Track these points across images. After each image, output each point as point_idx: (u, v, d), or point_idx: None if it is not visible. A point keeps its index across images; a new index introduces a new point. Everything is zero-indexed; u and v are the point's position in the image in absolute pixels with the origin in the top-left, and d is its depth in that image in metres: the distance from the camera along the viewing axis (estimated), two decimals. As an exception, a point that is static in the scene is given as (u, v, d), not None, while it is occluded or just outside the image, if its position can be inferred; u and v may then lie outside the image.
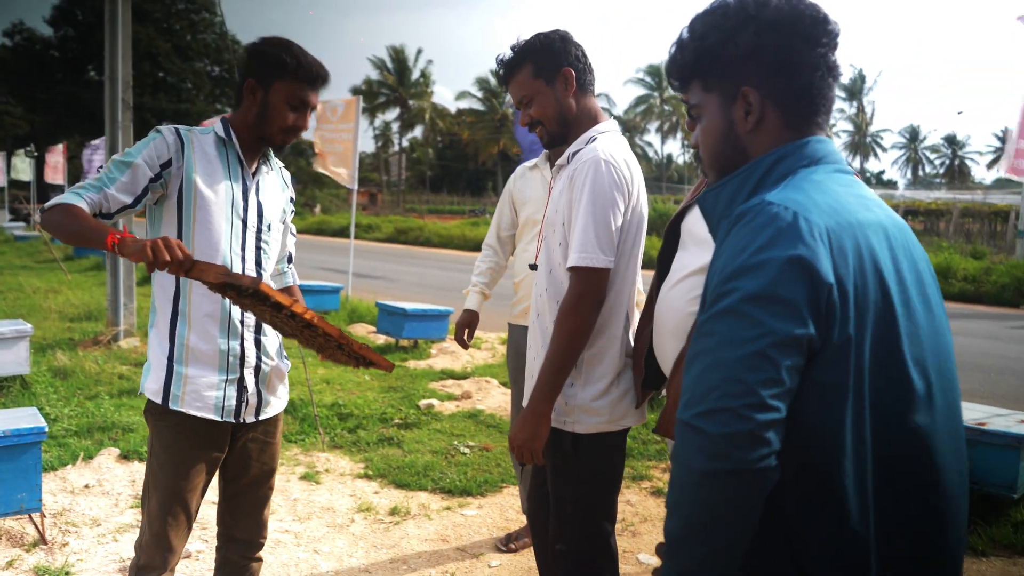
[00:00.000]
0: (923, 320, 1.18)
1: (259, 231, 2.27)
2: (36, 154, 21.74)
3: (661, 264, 2.12)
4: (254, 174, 2.29)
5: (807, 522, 1.12)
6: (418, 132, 60.36)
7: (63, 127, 49.44)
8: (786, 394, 1.06)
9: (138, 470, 4.33)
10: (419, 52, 58.38)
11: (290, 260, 2.55)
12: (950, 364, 1.22)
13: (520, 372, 3.13)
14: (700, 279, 1.93)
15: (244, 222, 2.23)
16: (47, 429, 3.47)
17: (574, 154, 2.20)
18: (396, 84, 56.00)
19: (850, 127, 69.19)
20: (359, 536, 3.70)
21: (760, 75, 1.23)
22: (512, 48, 2.28)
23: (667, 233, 2.13)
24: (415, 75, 57.32)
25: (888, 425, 1.13)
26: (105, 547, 3.45)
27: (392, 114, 58.44)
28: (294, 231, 2.55)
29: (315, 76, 2.20)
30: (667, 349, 2.01)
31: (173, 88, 50.44)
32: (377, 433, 5.19)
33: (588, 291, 2.07)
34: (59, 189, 20.66)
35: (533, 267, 2.37)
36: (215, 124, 2.26)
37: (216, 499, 2.50)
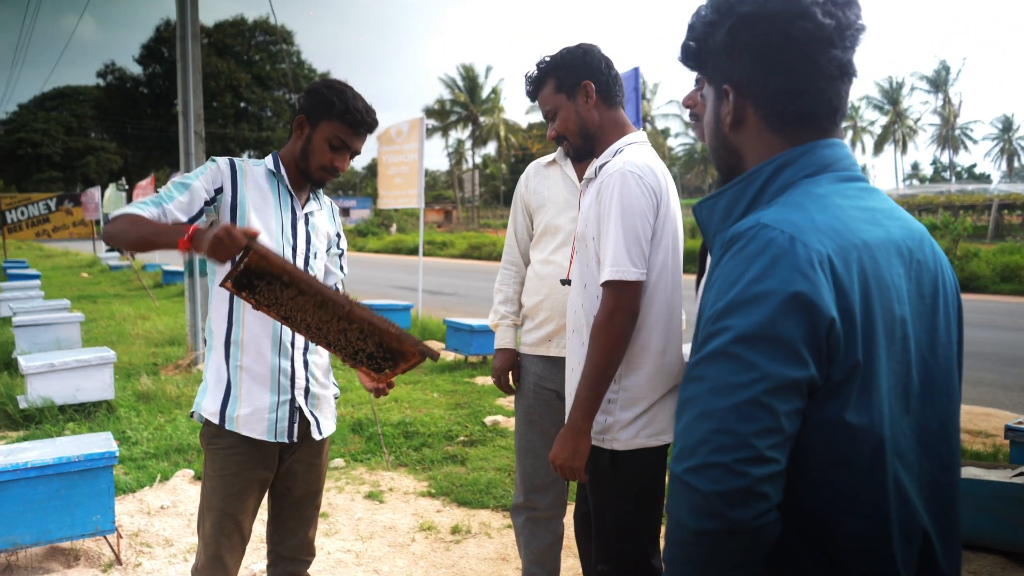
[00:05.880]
0: (926, 346, 1.11)
1: (306, 258, 2.35)
2: (127, 187, 22.96)
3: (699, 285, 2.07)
4: (304, 204, 2.37)
5: (818, 569, 1.04)
6: (491, 148, 60.97)
7: (153, 160, 51.92)
8: (786, 442, 0.97)
9: (210, 491, 4.46)
10: (489, 69, 59.14)
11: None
12: (939, 388, 1.14)
13: (539, 411, 2.80)
14: None
15: (294, 249, 2.32)
16: (118, 453, 3.60)
17: (601, 167, 2.17)
18: (468, 102, 56.74)
19: (937, 120, 66.50)
20: (419, 556, 3.71)
21: (737, 74, 1.15)
22: (537, 65, 2.30)
23: (700, 255, 2.08)
24: (486, 92, 57.97)
25: (892, 458, 1.04)
26: (175, 567, 3.55)
27: (465, 132, 59.20)
28: (345, 268, 2.59)
29: (360, 122, 2.27)
30: None
31: (254, 117, 52.41)
32: (442, 451, 5.21)
33: (621, 305, 2.03)
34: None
35: (566, 282, 2.33)
36: (267, 159, 2.37)
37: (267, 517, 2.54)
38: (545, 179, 2.86)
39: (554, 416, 2.82)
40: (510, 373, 2.94)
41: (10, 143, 58.45)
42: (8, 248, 26.36)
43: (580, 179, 2.80)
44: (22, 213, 25.83)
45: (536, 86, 2.30)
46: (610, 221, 2.06)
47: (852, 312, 1.01)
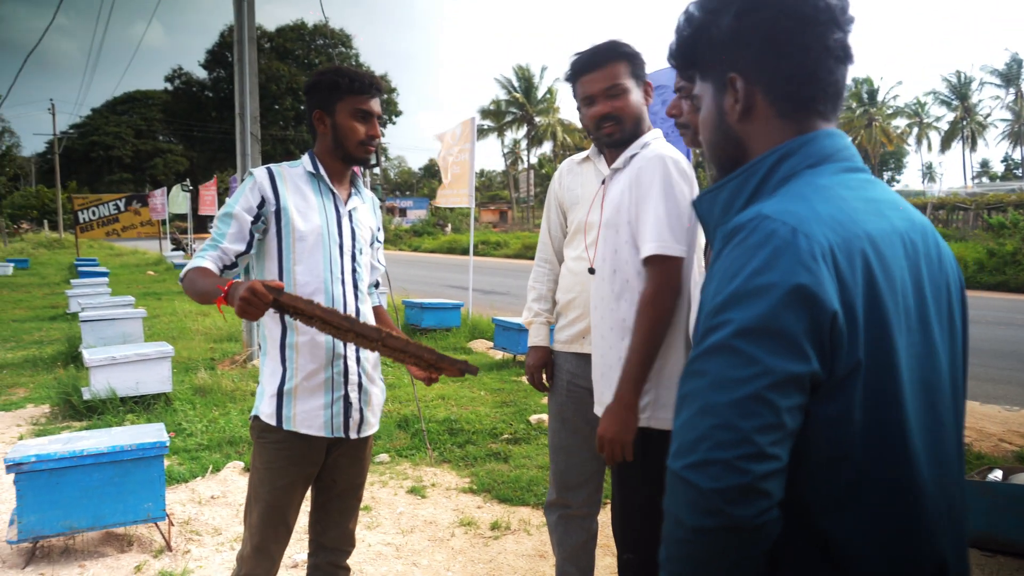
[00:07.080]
0: (935, 339, 1.08)
1: (353, 256, 2.40)
2: (191, 188, 23.68)
3: None
4: (347, 200, 2.41)
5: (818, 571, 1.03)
6: (546, 148, 60.92)
7: (217, 162, 53.34)
8: (787, 438, 0.95)
9: (259, 482, 4.58)
10: (544, 70, 59.37)
11: (377, 286, 2.66)
12: (944, 388, 1.10)
13: (572, 409, 2.79)
14: None
15: (340, 247, 2.36)
16: (170, 444, 3.73)
17: (631, 157, 2.27)
18: (524, 102, 56.82)
19: (1008, 116, 64.13)
20: (458, 550, 3.75)
21: (745, 60, 1.12)
22: (612, 42, 2.39)
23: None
24: (541, 92, 57.99)
25: (884, 456, 1.02)
26: (222, 555, 3.66)
27: (520, 132, 59.29)
28: (383, 261, 2.66)
29: (369, 85, 2.33)
30: None
31: (314, 120, 53.30)
32: (486, 448, 5.25)
33: (666, 280, 2.10)
34: (210, 219, 22.32)
35: (592, 271, 2.36)
36: (303, 159, 2.41)
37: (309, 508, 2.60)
38: (579, 176, 2.82)
39: (587, 414, 2.81)
40: (543, 371, 2.93)
41: (84, 146, 60.79)
42: (81, 247, 27.42)
43: None
44: (93, 213, 26.84)
45: (607, 58, 2.35)
46: (650, 201, 2.13)
47: (854, 307, 0.98)
